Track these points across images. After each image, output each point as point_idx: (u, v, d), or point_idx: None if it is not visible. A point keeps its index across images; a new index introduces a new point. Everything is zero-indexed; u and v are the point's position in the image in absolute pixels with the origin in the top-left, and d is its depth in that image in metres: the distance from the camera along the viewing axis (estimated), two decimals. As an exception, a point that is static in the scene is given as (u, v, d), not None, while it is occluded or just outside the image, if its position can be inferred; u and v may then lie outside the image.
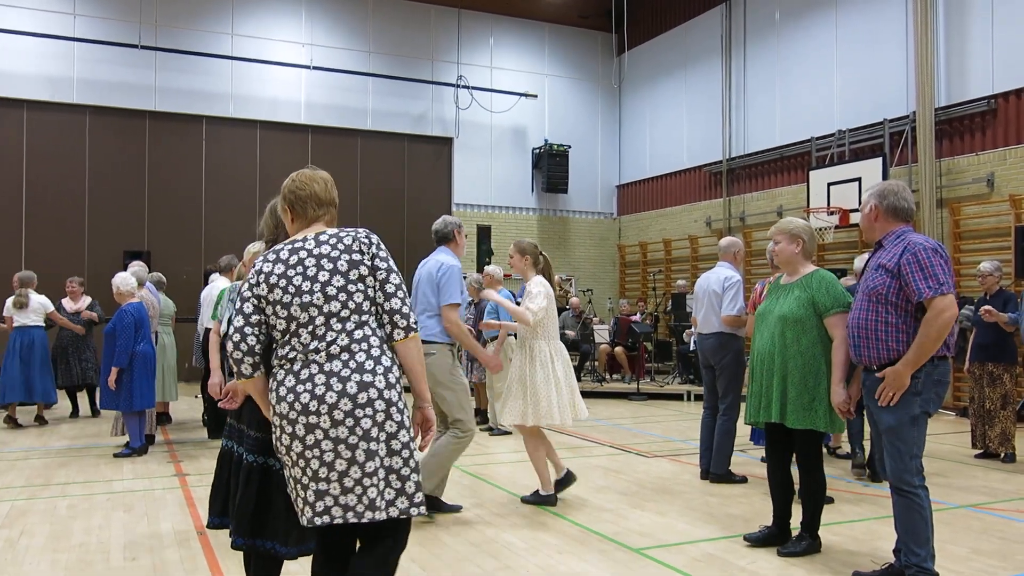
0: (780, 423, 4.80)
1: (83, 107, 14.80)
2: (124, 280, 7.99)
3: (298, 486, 2.91)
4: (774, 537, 4.98)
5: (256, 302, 2.99)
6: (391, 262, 3.01)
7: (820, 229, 12.57)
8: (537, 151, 18.38)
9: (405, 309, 2.96)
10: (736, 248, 7.12)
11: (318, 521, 2.87)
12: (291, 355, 2.92)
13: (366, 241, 2.98)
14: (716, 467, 6.84)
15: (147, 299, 8.68)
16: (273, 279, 2.96)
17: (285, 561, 3.54)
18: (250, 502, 3.45)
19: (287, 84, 16.26)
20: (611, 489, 6.62)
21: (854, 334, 4.26)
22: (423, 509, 2.92)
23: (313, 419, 2.83)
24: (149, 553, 4.86)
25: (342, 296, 2.91)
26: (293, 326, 2.92)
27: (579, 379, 13.84)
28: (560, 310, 14.59)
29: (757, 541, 5.02)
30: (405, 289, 3.01)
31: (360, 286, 2.93)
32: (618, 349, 14.02)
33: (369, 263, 2.96)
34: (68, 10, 14.65)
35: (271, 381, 2.96)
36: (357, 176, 16.60)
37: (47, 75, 14.52)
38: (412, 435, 2.95)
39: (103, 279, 11.32)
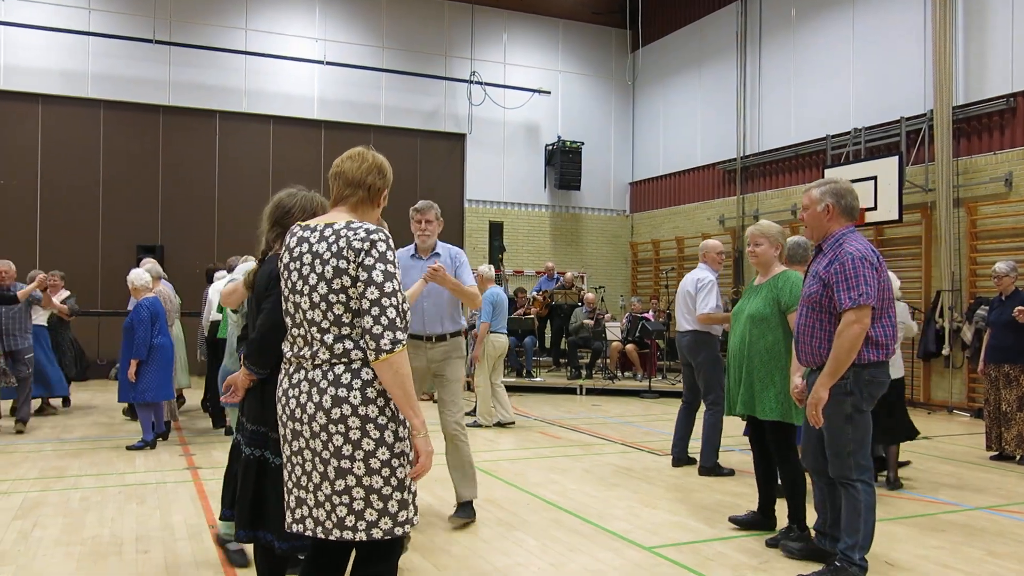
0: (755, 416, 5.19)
1: (97, 102, 14.85)
2: (138, 276, 8.19)
3: (285, 488, 2.90)
4: (758, 522, 5.29)
5: (282, 283, 2.93)
6: (380, 269, 2.67)
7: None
8: (550, 148, 18.34)
9: (377, 329, 2.63)
10: (718, 250, 7.38)
11: (295, 528, 2.85)
12: (288, 354, 2.86)
13: (357, 246, 2.68)
14: (705, 460, 7.06)
15: (164, 293, 8.96)
16: (282, 267, 2.89)
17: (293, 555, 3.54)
18: (248, 494, 3.48)
19: (301, 79, 16.28)
20: (622, 487, 6.60)
21: (796, 337, 4.48)
22: (409, 528, 2.77)
23: (297, 426, 2.77)
24: (161, 546, 4.88)
25: (323, 305, 2.71)
26: (290, 323, 2.86)
27: (590, 376, 13.87)
28: (572, 307, 14.57)
29: (742, 524, 5.32)
30: (390, 302, 2.66)
31: (342, 297, 2.69)
32: (629, 346, 13.98)
33: (354, 272, 2.68)
34: (83, 5, 14.69)
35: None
36: (370, 172, 16.62)
37: (62, 70, 14.58)
38: (398, 451, 2.73)
39: (116, 273, 11.43)
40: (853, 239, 4.30)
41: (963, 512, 5.90)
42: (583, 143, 18.32)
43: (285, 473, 2.89)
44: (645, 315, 14.19)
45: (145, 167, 15.19)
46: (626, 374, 14.26)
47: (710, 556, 4.79)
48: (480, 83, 17.54)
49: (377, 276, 2.66)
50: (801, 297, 4.51)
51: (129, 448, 7.94)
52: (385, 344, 2.63)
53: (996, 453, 7.94)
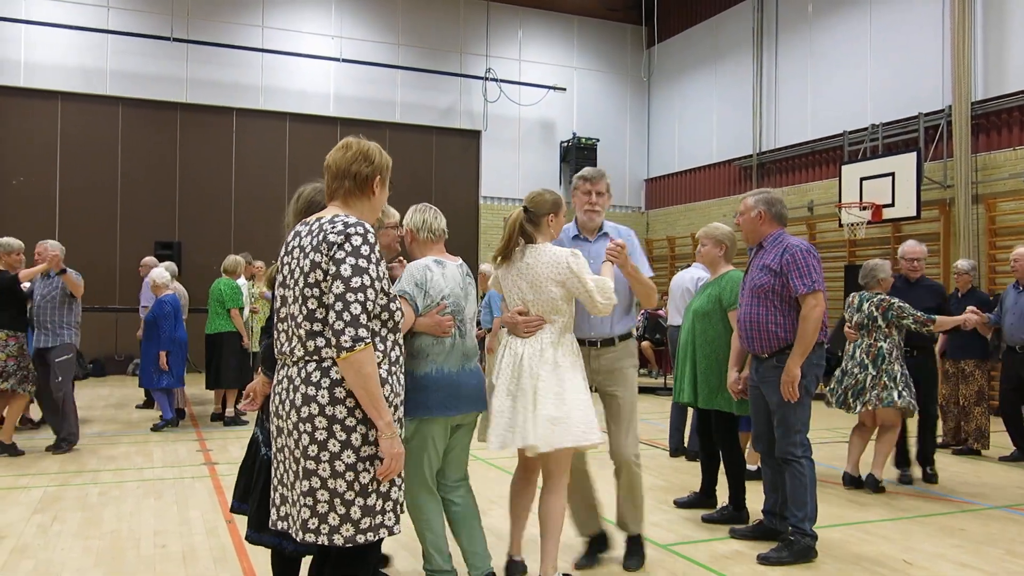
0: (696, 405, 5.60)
1: (116, 99, 14.96)
2: (160, 274, 8.93)
3: (272, 486, 2.89)
4: (700, 502, 5.72)
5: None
6: (349, 264, 2.59)
7: (852, 225, 12.41)
8: (565, 144, 18.30)
9: (339, 324, 2.55)
10: None
11: (280, 525, 2.83)
12: (277, 351, 2.83)
13: (332, 240, 2.61)
14: (692, 445, 7.50)
15: (181, 291, 9.70)
16: (279, 262, 2.87)
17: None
18: (259, 494, 3.43)
19: (317, 76, 16.33)
20: (638, 484, 6.58)
21: (745, 326, 4.80)
22: (372, 536, 2.68)
23: (280, 423, 2.75)
24: (179, 540, 4.91)
25: (300, 300, 2.66)
26: (276, 318, 2.83)
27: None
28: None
29: (684, 505, 5.75)
30: (355, 297, 2.58)
31: (315, 291, 2.62)
32: (644, 344, 13.95)
33: (325, 267, 2.61)
34: (102, 3, 14.80)
35: None
36: (385, 168, 16.65)
37: (81, 67, 14.69)
38: (365, 455, 2.66)
39: (134, 270, 11.48)
40: (792, 236, 4.78)
41: (981, 511, 5.85)
42: (598, 140, 18.28)
43: (272, 469, 2.88)
44: (660, 312, 14.15)
45: (162, 164, 15.29)
46: (641, 371, 14.24)
47: (726, 554, 4.77)
48: (495, 80, 17.53)
49: (345, 270, 2.58)
50: (746, 290, 4.80)
51: (153, 428, 8.68)
52: (346, 341, 2.55)
53: (961, 447, 8.06)
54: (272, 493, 2.88)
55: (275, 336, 2.86)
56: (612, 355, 4.35)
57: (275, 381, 2.82)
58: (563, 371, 3.79)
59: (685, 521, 5.50)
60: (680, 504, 5.80)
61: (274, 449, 2.84)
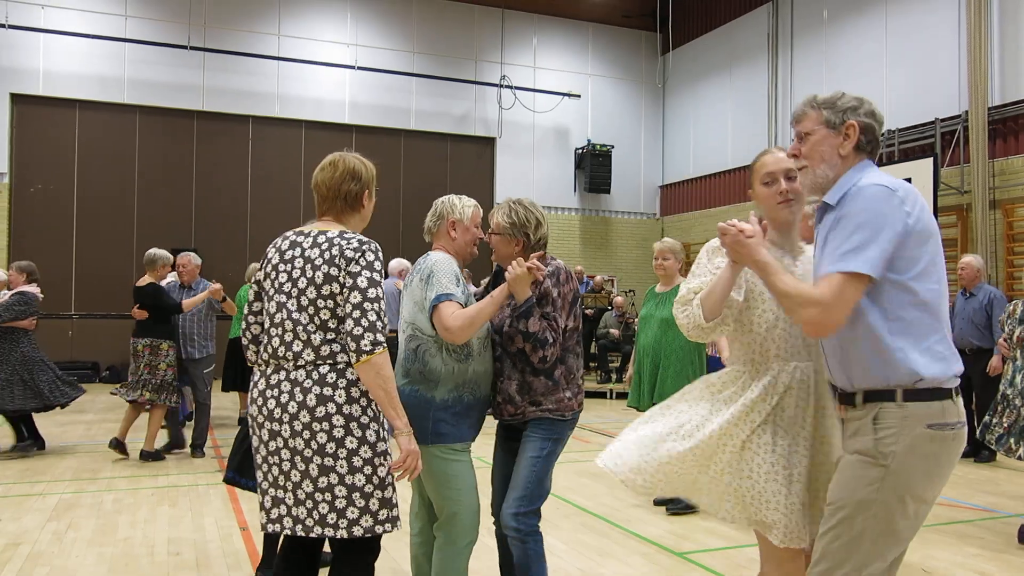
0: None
1: (133, 107, 15.07)
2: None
3: (259, 489, 2.94)
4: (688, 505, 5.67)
5: (257, 288, 3.03)
6: (365, 276, 2.77)
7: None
8: (580, 151, 18.30)
9: (357, 330, 2.71)
10: None
11: (271, 528, 2.89)
12: (264, 356, 2.91)
13: (349, 255, 2.79)
14: None
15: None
16: (268, 267, 2.96)
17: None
18: (242, 444, 4.00)
19: (332, 84, 16.40)
20: (653, 492, 6.55)
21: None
22: (389, 527, 2.83)
23: (276, 426, 2.81)
24: (192, 548, 4.92)
25: (311, 309, 2.80)
26: (268, 324, 2.91)
27: (620, 380, 13.77)
28: (602, 311, 14.49)
29: (678, 511, 5.82)
30: (372, 306, 2.74)
31: (330, 303, 2.79)
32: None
33: (342, 280, 2.78)
34: (120, 12, 14.93)
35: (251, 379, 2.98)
36: (400, 176, 16.67)
37: (99, 75, 14.82)
38: (380, 450, 2.81)
39: (151, 276, 11.57)
40: None
41: (1000, 519, 5.78)
42: (613, 146, 18.26)
43: (260, 475, 2.91)
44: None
45: (179, 171, 15.39)
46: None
47: (742, 563, 4.73)
48: (510, 87, 17.54)
49: (362, 282, 2.77)
50: None
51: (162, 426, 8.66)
52: (365, 345, 2.71)
53: None
54: (261, 496, 2.93)
55: (263, 339, 2.92)
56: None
57: (265, 386, 2.85)
58: None
59: (701, 528, 5.46)
60: (672, 510, 5.87)
61: (264, 452, 2.86)
